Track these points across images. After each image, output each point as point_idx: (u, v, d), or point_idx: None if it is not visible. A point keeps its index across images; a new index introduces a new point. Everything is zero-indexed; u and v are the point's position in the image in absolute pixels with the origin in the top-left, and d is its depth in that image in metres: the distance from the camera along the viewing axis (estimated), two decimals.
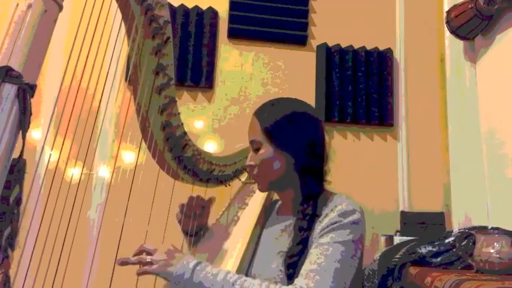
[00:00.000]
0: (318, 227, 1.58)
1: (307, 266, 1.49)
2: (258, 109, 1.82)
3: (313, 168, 1.71)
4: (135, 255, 1.56)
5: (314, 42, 3.95)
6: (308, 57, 3.91)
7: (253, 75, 3.80)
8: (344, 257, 1.50)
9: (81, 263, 1.89)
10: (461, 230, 2.38)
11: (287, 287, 1.45)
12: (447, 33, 3.75)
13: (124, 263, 1.53)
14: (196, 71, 3.63)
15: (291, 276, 1.53)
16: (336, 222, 1.55)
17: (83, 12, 1.27)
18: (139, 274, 1.54)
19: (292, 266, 1.55)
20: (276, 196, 2.02)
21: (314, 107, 2.45)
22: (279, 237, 1.74)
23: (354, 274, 1.52)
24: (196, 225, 2.01)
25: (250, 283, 1.46)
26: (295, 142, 1.70)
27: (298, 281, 1.46)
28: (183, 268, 1.49)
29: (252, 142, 1.77)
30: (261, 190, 1.87)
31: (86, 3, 1.28)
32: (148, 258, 1.53)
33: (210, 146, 3.55)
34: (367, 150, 3.82)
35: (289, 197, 1.81)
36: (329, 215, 1.59)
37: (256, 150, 1.75)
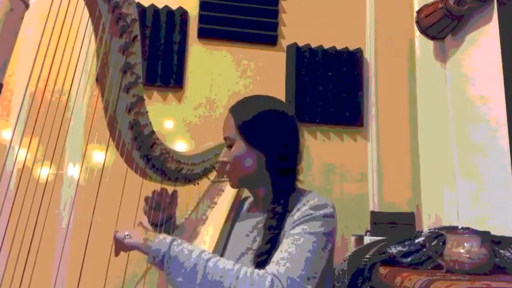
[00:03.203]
0: (290, 220, 1.60)
1: (278, 254, 1.50)
2: (234, 105, 1.84)
3: (285, 167, 1.72)
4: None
5: (284, 42, 3.95)
6: (278, 57, 3.91)
7: (223, 75, 3.79)
8: (315, 247, 1.51)
9: (49, 262, 1.88)
10: (431, 230, 2.39)
11: (258, 271, 1.45)
12: (417, 33, 3.76)
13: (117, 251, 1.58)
14: (166, 70, 3.62)
15: None
16: (307, 215, 1.57)
17: (49, 10, 1.27)
18: (117, 252, 1.58)
19: (262, 264, 1.54)
20: (245, 194, 2.03)
21: None
22: (250, 234, 1.75)
23: (324, 267, 1.53)
24: (165, 215, 2.03)
25: (223, 262, 1.46)
26: (267, 140, 1.72)
27: (269, 267, 1.46)
28: (160, 243, 1.49)
29: (225, 138, 1.79)
30: (233, 187, 1.89)
31: (52, 1, 1.27)
32: (127, 233, 1.55)
33: (180, 146, 3.54)
34: (337, 150, 3.82)
35: (260, 194, 1.82)
36: (301, 209, 1.61)
37: (230, 146, 1.76)
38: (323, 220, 1.57)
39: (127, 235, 1.54)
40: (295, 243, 1.51)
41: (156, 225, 2.01)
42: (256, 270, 1.45)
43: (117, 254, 1.57)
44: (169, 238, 1.52)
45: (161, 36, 3.67)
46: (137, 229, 1.58)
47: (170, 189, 2.05)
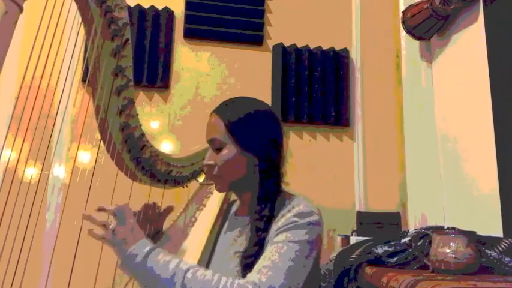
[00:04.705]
0: (274, 226, 1.58)
1: (260, 263, 1.49)
2: (219, 107, 1.79)
3: (273, 169, 1.71)
4: (99, 209, 1.52)
5: (270, 42, 3.95)
6: (264, 57, 3.90)
7: (209, 75, 3.78)
8: (298, 256, 1.50)
9: (38, 263, 1.87)
10: (417, 230, 2.39)
11: (239, 280, 1.44)
12: (403, 33, 3.77)
13: (89, 217, 1.49)
14: (152, 71, 3.61)
15: None
16: (292, 222, 1.56)
17: (43, 14, 1.27)
18: (98, 238, 1.50)
19: (249, 266, 1.53)
20: (234, 196, 2.02)
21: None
22: (237, 238, 1.74)
23: (308, 274, 1.52)
24: (152, 229, 2.01)
25: (202, 273, 1.44)
26: (259, 142, 1.69)
27: (251, 276, 1.46)
28: (137, 250, 1.45)
29: (212, 141, 1.74)
30: (220, 191, 1.84)
31: (46, 5, 1.27)
32: (112, 226, 1.49)
33: (166, 146, 3.53)
34: (323, 150, 3.82)
35: (248, 197, 1.80)
36: (285, 215, 1.59)
37: (218, 149, 1.72)
38: (307, 228, 1.56)
39: (112, 230, 1.48)
40: (278, 252, 1.50)
41: None
42: (237, 281, 1.44)
43: (98, 238, 1.51)
44: (147, 247, 1.48)
45: (147, 36, 3.66)
46: (126, 225, 1.51)
47: (160, 191, 2.05)
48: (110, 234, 1.48)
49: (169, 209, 2.07)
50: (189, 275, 1.42)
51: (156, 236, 2.04)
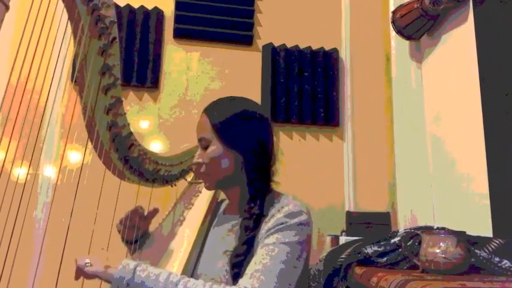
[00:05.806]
0: (264, 227, 1.58)
1: (252, 266, 1.48)
2: (208, 106, 1.81)
3: (261, 167, 1.71)
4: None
5: (260, 42, 3.95)
6: (254, 57, 3.90)
7: (198, 75, 3.78)
8: (289, 258, 1.50)
9: (26, 263, 1.87)
10: (407, 230, 2.38)
11: (231, 287, 1.45)
12: (393, 33, 3.77)
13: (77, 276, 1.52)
14: (141, 70, 3.60)
15: (236, 276, 1.52)
16: (282, 223, 1.55)
17: (29, 12, 1.27)
18: (77, 277, 1.52)
19: (238, 265, 1.54)
20: (222, 196, 2.02)
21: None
22: (226, 236, 1.74)
23: (299, 275, 1.52)
24: (140, 232, 2.01)
25: (193, 283, 1.43)
26: (245, 141, 1.70)
27: (243, 281, 1.45)
28: (123, 270, 1.45)
29: (200, 140, 1.76)
30: (208, 188, 1.86)
31: (32, 3, 1.27)
32: (88, 260, 1.50)
33: (156, 146, 3.52)
34: (313, 150, 3.82)
35: (236, 196, 1.81)
36: (275, 216, 1.59)
37: (205, 148, 1.74)
38: (297, 229, 1.56)
39: (87, 263, 1.50)
40: (269, 254, 1.49)
41: (131, 242, 1.99)
42: (228, 287, 1.44)
43: (76, 278, 1.52)
44: (132, 264, 1.48)
45: (137, 36, 3.65)
46: (98, 255, 1.53)
47: (148, 190, 2.04)
48: (88, 269, 1.49)
49: (155, 212, 2.07)
50: (180, 286, 1.42)
51: (142, 238, 2.04)
